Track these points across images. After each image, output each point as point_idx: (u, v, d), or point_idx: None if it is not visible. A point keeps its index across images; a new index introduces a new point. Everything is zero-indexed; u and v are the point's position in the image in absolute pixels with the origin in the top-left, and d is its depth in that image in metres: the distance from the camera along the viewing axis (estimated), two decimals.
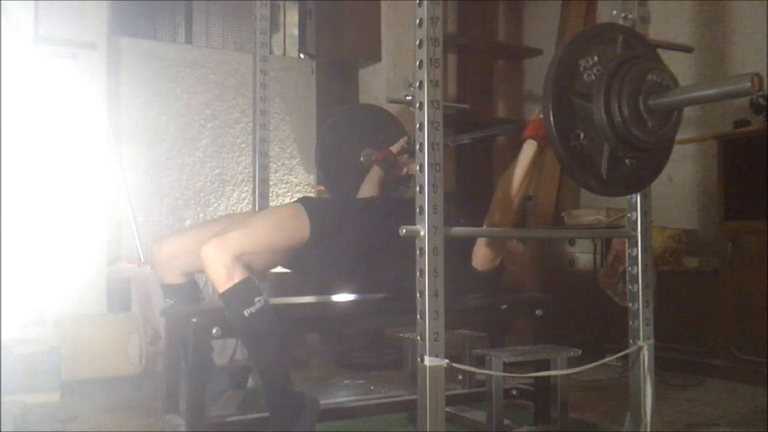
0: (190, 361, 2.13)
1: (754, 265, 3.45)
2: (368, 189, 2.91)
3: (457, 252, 2.32)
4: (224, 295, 2.04)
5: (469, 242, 2.38)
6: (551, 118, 1.69)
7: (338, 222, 2.31)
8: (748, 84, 1.55)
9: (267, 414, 2.42)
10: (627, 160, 1.79)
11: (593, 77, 1.74)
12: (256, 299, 2.05)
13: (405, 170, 3.00)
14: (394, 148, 2.91)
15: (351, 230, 2.31)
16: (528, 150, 2.16)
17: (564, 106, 1.71)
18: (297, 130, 4.89)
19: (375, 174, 2.92)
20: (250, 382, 2.69)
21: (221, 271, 2.02)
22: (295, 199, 2.78)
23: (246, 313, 2.03)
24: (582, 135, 1.72)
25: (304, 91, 4.93)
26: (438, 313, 1.63)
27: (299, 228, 2.22)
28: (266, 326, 2.08)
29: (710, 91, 1.71)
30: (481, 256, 2.33)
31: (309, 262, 2.30)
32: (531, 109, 5.43)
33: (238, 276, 2.04)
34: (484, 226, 2.26)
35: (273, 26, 4.93)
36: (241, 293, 2.04)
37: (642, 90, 1.71)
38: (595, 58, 1.75)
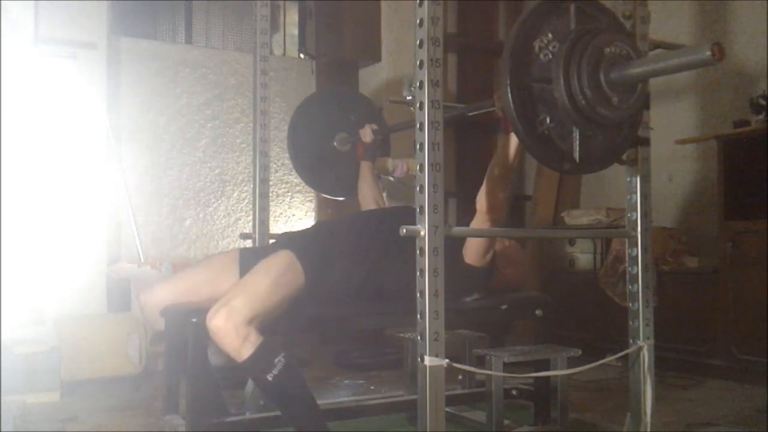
0: (189, 361, 2.13)
1: (754, 265, 3.45)
2: (366, 186, 2.92)
3: (447, 251, 2.31)
4: (244, 365, 2.03)
5: (459, 241, 2.37)
6: (512, 110, 1.63)
7: (328, 256, 2.28)
8: (708, 53, 1.51)
9: (267, 414, 2.43)
10: (599, 136, 1.75)
11: (550, 56, 1.67)
12: (276, 360, 2.03)
13: (401, 171, 2.99)
14: (366, 138, 2.91)
15: (342, 261, 2.29)
16: (513, 141, 2.13)
17: (525, 93, 1.65)
18: None
19: (365, 168, 2.93)
20: (250, 383, 2.69)
21: (235, 342, 2.00)
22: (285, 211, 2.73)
23: (269, 377, 2.02)
24: (548, 119, 1.67)
25: (304, 91, 4.92)
26: (438, 313, 1.63)
27: (296, 277, 2.19)
28: (292, 384, 2.07)
29: (671, 62, 1.65)
30: (471, 249, 2.32)
31: (311, 299, 2.26)
32: None
33: (253, 341, 2.02)
34: (476, 218, 2.26)
35: (273, 26, 4.93)
36: (260, 359, 2.02)
37: (602, 66, 1.65)
38: (550, 35, 1.68)
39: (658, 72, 1.72)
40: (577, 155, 1.71)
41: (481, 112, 2.55)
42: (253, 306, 2.05)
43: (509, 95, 1.63)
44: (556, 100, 1.66)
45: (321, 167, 3.04)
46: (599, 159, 1.81)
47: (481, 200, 2.22)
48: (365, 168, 2.94)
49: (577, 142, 1.70)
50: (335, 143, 3.03)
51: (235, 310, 2.02)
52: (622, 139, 1.85)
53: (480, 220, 2.24)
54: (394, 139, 3.18)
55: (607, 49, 1.66)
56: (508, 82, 1.63)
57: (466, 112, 2.78)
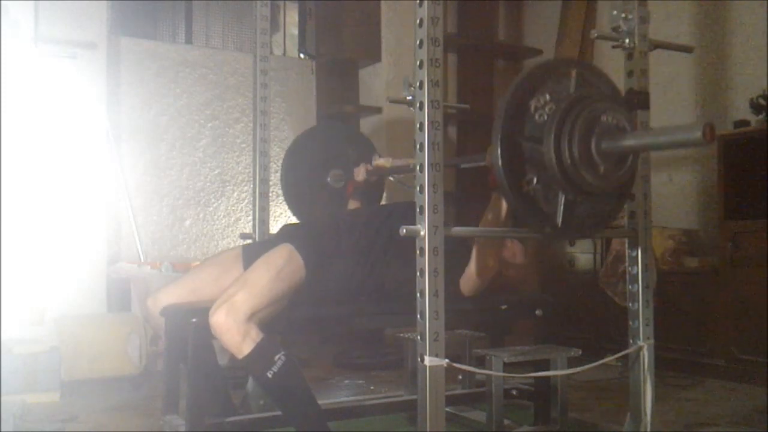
0: (190, 362, 2.13)
1: (754, 265, 3.45)
2: None
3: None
4: (244, 361, 2.03)
5: (455, 265, 2.28)
6: (501, 166, 1.63)
7: (329, 250, 2.28)
8: (699, 134, 1.51)
9: (267, 414, 2.43)
10: (584, 204, 1.72)
11: (545, 117, 1.66)
12: (276, 357, 2.03)
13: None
14: (358, 177, 2.85)
15: (343, 258, 2.28)
16: (498, 200, 2.09)
17: (515, 151, 1.64)
18: (297, 130, 4.88)
19: (352, 207, 2.87)
20: (250, 383, 2.69)
21: (236, 338, 2.00)
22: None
23: (269, 374, 2.02)
24: (534, 180, 1.66)
25: (304, 91, 4.93)
26: (438, 313, 1.63)
27: (296, 270, 2.19)
28: (291, 382, 2.07)
29: (663, 138, 1.66)
30: (471, 286, 2.28)
31: (311, 296, 2.26)
32: None
33: (253, 338, 2.02)
34: (464, 280, 2.24)
35: (273, 26, 4.93)
36: (260, 356, 2.02)
37: (595, 132, 1.64)
38: (547, 96, 1.68)
39: (649, 147, 1.74)
40: (559, 219, 1.69)
41: (473, 165, 2.52)
42: (253, 302, 2.05)
43: (498, 150, 1.62)
44: (545, 160, 1.65)
45: (311, 200, 2.97)
46: (582, 227, 1.77)
47: (469, 276, 2.21)
48: (353, 206, 2.86)
49: (562, 207, 1.68)
50: (329, 179, 2.99)
51: (236, 307, 2.02)
52: (609, 210, 1.81)
53: (470, 285, 2.24)
54: (394, 137, 3.17)
55: (603, 117, 1.65)
56: (500, 136, 1.62)
57: (460, 164, 2.75)
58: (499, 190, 1.68)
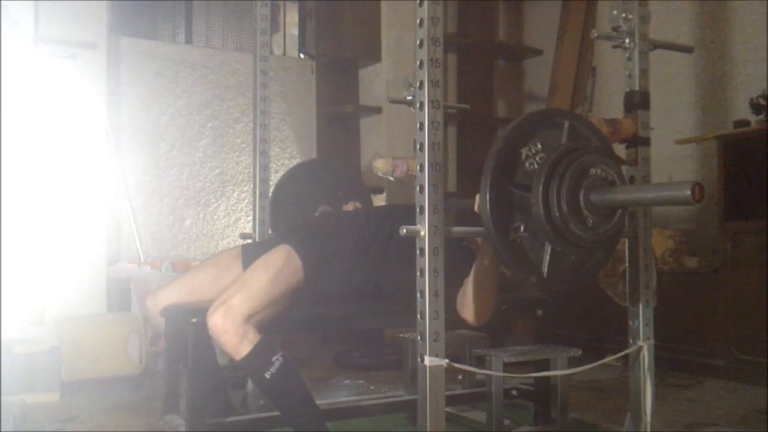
0: (190, 362, 2.13)
1: (754, 265, 3.45)
2: None
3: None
4: (242, 362, 2.03)
5: (452, 286, 2.15)
6: (488, 211, 1.62)
7: (327, 251, 2.27)
8: (688, 192, 1.51)
9: (267, 414, 2.43)
10: (571, 255, 1.71)
11: (535, 165, 1.67)
12: (274, 359, 2.03)
13: (401, 171, 2.94)
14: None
15: (342, 259, 2.28)
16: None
17: (503, 197, 1.64)
18: (297, 130, 4.89)
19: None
20: (250, 383, 2.69)
21: (234, 340, 2.00)
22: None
23: (267, 375, 2.02)
24: (522, 228, 1.65)
25: (304, 91, 4.93)
26: (438, 313, 1.63)
27: (295, 272, 2.18)
28: (289, 383, 2.07)
29: (651, 194, 1.67)
30: (471, 312, 2.17)
31: (310, 297, 2.25)
32: (531, 109, 5.43)
33: (251, 339, 2.02)
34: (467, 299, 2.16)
35: (273, 26, 4.93)
36: (258, 357, 2.02)
37: (584, 184, 1.64)
38: (539, 145, 1.68)
39: (637, 202, 1.77)
40: (545, 270, 1.68)
41: (461, 208, 2.49)
42: (251, 303, 2.05)
43: (487, 195, 1.62)
44: (533, 209, 1.64)
45: None
46: (568, 278, 1.76)
47: (467, 309, 2.14)
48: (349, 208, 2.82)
49: (548, 257, 1.68)
50: (317, 215, 2.98)
51: (233, 308, 2.02)
52: (595, 262, 1.80)
53: (464, 313, 2.16)
54: (394, 137, 3.16)
55: (593, 170, 1.65)
56: (489, 182, 1.62)
57: (447, 208, 2.72)
58: (486, 234, 1.65)
